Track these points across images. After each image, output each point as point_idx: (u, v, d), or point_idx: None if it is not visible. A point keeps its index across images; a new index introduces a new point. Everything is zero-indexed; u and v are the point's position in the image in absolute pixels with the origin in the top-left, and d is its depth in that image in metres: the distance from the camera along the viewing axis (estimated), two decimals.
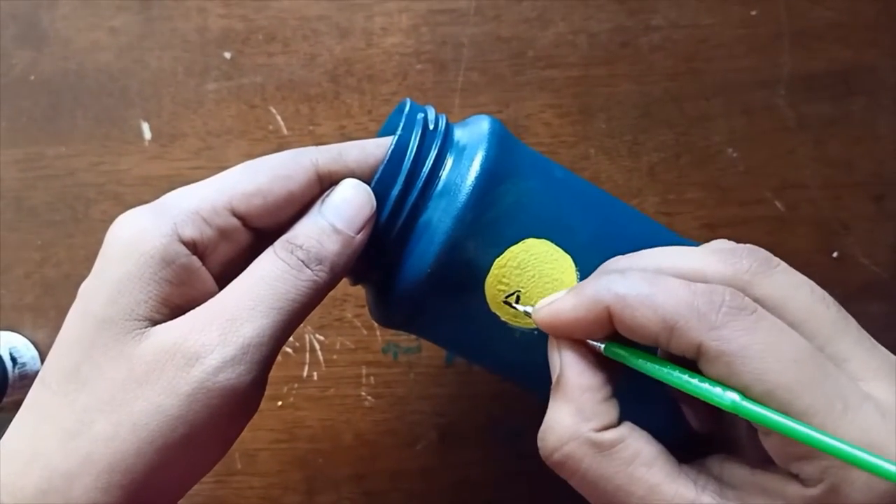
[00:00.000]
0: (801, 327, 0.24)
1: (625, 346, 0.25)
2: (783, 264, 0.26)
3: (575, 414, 0.25)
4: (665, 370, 0.24)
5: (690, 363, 0.24)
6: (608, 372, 0.26)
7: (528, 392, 0.31)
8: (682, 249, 0.27)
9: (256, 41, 0.46)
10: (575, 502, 0.42)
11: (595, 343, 0.26)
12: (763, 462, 0.24)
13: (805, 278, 0.25)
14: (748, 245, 0.26)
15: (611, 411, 0.25)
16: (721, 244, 0.27)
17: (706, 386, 0.23)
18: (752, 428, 0.26)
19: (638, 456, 0.24)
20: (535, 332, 0.30)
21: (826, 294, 0.25)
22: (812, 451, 0.22)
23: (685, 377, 0.24)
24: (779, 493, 0.23)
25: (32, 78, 0.47)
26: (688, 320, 0.23)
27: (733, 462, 0.25)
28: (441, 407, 0.44)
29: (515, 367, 0.32)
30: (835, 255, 0.43)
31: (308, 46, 0.46)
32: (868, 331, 0.25)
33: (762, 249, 0.26)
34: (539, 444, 0.26)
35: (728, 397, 0.23)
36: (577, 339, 0.26)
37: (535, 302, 0.29)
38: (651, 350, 0.25)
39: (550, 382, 0.31)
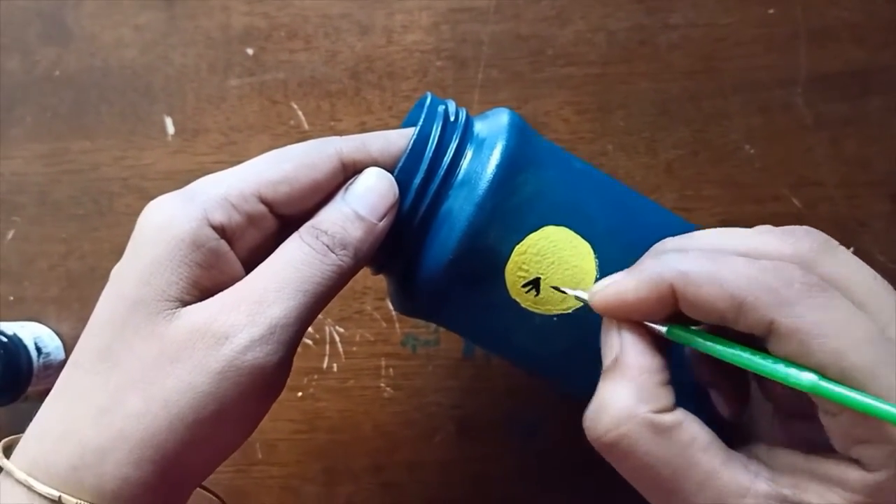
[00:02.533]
0: (863, 309, 0.23)
1: (686, 328, 0.25)
2: (842, 247, 0.25)
3: (634, 394, 0.24)
4: (734, 351, 0.24)
5: (751, 343, 0.24)
6: (666, 357, 0.26)
7: (547, 381, 0.32)
8: (736, 230, 0.26)
9: (279, 38, 0.46)
10: (590, 494, 0.43)
11: (656, 326, 0.26)
12: (785, 427, 0.25)
13: (866, 265, 0.25)
14: (800, 226, 0.26)
15: (668, 395, 0.25)
16: (767, 228, 0.26)
17: (781, 367, 0.23)
18: (779, 415, 0.27)
19: (695, 440, 0.24)
20: (555, 319, 0.30)
21: (886, 281, 0.25)
22: (878, 435, 0.22)
23: (757, 358, 0.23)
24: (837, 478, 0.23)
25: (57, 74, 0.48)
26: (758, 296, 0.23)
27: (780, 449, 0.25)
28: (459, 399, 0.45)
29: (535, 355, 0.32)
30: (851, 250, 0.43)
31: (329, 43, 0.46)
32: None
33: (819, 231, 0.25)
34: (588, 423, 0.25)
35: (806, 378, 0.22)
36: (636, 320, 0.26)
37: (554, 286, 0.30)
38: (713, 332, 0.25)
39: (569, 370, 0.32)
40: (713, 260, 0.24)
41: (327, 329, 0.45)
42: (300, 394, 0.45)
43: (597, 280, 0.29)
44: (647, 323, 0.26)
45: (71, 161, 0.47)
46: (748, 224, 0.43)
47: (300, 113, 0.46)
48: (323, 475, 0.45)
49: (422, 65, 0.46)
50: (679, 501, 0.24)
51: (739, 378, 0.28)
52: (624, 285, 0.26)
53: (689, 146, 0.44)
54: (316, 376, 0.45)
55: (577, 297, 0.28)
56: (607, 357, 0.26)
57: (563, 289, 0.29)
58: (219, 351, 0.26)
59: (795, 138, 0.44)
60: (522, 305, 0.30)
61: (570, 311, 0.30)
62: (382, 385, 0.45)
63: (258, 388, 0.27)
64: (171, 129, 0.47)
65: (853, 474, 0.23)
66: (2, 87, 0.48)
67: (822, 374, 0.22)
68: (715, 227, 0.43)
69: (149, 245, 0.27)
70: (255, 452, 0.45)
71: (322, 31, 0.46)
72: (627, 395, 0.25)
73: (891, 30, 0.44)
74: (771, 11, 0.44)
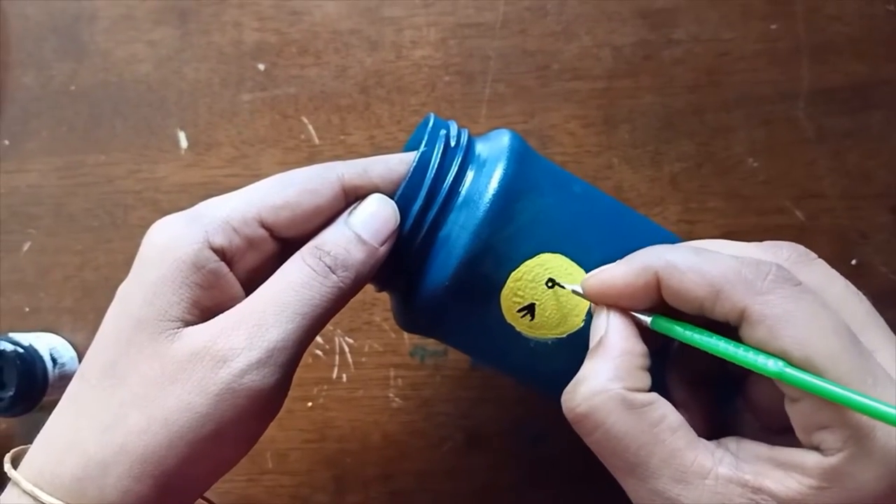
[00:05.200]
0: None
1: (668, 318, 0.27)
2: (820, 259, 0.27)
3: (611, 371, 0.26)
4: (711, 340, 0.25)
5: (729, 335, 0.25)
6: (647, 347, 0.27)
7: (544, 397, 0.32)
8: (722, 241, 0.28)
9: (290, 53, 0.47)
10: (596, 503, 0.43)
11: (641, 316, 0.27)
12: (770, 442, 0.25)
13: (840, 275, 0.27)
14: (786, 241, 0.28)
15: (645, 378, 0.26)
16: (757, 243, 0.28)
17: (751, 354, 0.24)
18: (757, 422, 0.28)
19: (665, 419, 0.25)
20: (550, 343, 0.31)
21: (859, 291, 0.26)
22: (835, 421, 0.23)
23: (730, 346, 0.25)
24: (796, 464, 0.24)
25: (73, 89, 0.49)
26: (734, 285, 0.24)
27: (748, 441, 0.26)
28: (467, 409, 0.45)
29: (530, 374, 0.33)
30: (853, 262, 0.44)
31: (339, 59, 0.47)
32: None
33: (801, 245, 0.27)
34: (565, 395, 0.27)
35: (773, 365, 0.24)
36: (623, 308, 0.27)
37: (549, 315, 0.30)
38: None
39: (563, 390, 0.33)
40: (697, 253, 0.26)
41: (337, 340, 0.46)
42: (310, 404, 0.46)
43: (590, 307, 0.30)
44: (633, 313, 0.27)
45: (86, 174, 0.48)
46: (751, 236, 0.44)
47: (311, 127, 0.47)
48: (333, 484, 0.46)
49: (430, 79, 0.46)
50: (642, 476, 0.25)
51: (713, 403, 0.29)
52: (613, 272, 0.27)
53: (694, 159, 0.45)
54: (326, 386, 0.46)
55: (574, 291, 0.29)
56: (594, 339, 0.28)
57: (560, 282, 0.30)
58: (217, 374, 0.27)
59: (798, 151, 0.45)
60: (517, 329, 0.31)
61: (564, 335, 0.31)
62: (391, 395, 0.46)
63: (255, 409, 0.27)
64: (184, 142, 0.48)
65: (811, 459, 0.24)
66: (18, 101, 0.49)
67: (788, 360, 0.24)
68: (719, 238, 0.44)
69: (152, 265, 0.28)
70: (265, 461, 0.46)
71: (332, 47, 0.47)
72: (605, 371, 0.26)
73: (891, 44, 0.45)
74: (773, 26, 0.45)
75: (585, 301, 0.30)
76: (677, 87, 0.45)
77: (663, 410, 0.26)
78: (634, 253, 0.27)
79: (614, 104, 0.45)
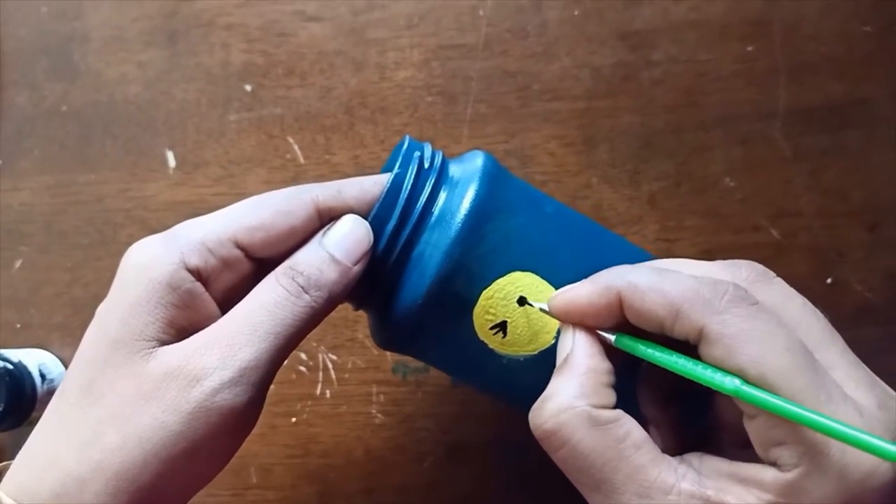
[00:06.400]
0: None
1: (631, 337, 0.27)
2: (778, 278, 0.28)
3: (577, 388, 0.26)
4: (672, 358, 0.26)
5: (691, 353, 0.26)
6: (613, 365, 0.28)
7: (518, 412, 0.33)
8: (685, 260, 0.29)
9: (276, 75, 0.48)
10: None
11: (606, 335, 0.28)
12: (737, 457, 0.26)
13: (798, 294, 0.27)
14: (745, 260, 0.28)
15: (610, 396, 0.27)
16: (721, 262, 0.29)
17: (709, 372, 0.25)
18: (722, 439, 0.28)
19: (629, 436, 0.26)
20: (522, 359, 0.32)
21: (816, 309, 0.27)
22: (791, 437, 0.24)
23: (689, 364, 0.25)
24: (755, 480, 0.25)
25: (64, 109, 0.50)
26: (692, 304, 0.25)
27: (711, 457, 0.27)
28: (448, 424, 0.46)
29: (503, 390, 0.34)
30: (829, 281, 0.44)
31: (324, 80, 0.48)
32: (860, 355, 0.27)
33: (760, 265, 0.28)
34: (532, 413, 0.27)
35: (730, 382, 0.24)
36: (588, 327, 0.28)
37: (521, 332, 0.31)
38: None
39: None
40: (660, 273, 0.27)
41: (320, 356, 0.47)
42: (294, 419, 0.47)
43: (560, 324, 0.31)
44: (598, 332, 0.28)
45: (77, 192, 0.49)
46: (728, 254, 0.44)
47: (296, 147, 0.48)
48: (316, 498, 0.46)
49: (413, 100, 0.47)
50: (607, 492, 0.26)
51: (683, 421, 0.30)
52: (577, 291, 0.28)
53: (672, 178, 0.46)
54: (310, 402, 0.47)
55: (541, 309, 0.30)
56: (560, 357, 0.28)
57: (529, 301, 0.31)
58: (190, 393, 0.27)
59: (775, 170, 0.45)
60: (490, 346, 0.32)
61: (536, 352, 0.32)
62: (374, 411, 0.46)
63: (229, 426, 0.28)
64: (172, 161, 0.49)
65: (768, 475, 0.24)
66: (11, 120, 0.50)
67: (744, 377, 0.24)
68: (696, 257, 0.45)
69: (129, 286, 0.29)
70: (249, 476, 0.47)
71: (318, 68, 0.48)
72: (571, 389, 0.27)
73: (868, 64, 0.45)
74: (750, 48, 0.45)
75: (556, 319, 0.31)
76: (656, 108, 0.46)
77: (628, 427, 0.26)
78: (599, 273, 0.28)
79: (594, 124, 0.46)
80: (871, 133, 0.45)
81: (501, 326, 0.31)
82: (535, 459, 0.45)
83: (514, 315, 0.31)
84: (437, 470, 0.46)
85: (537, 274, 0.31)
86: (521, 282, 0.31)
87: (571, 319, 0.28)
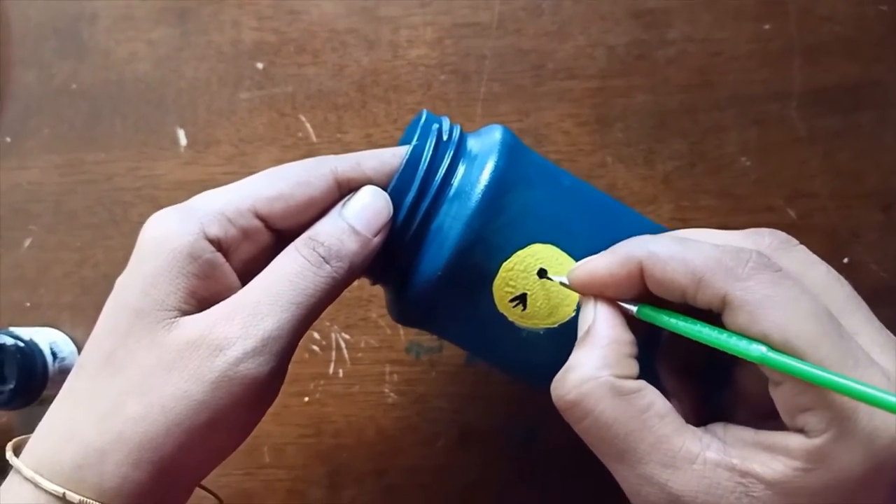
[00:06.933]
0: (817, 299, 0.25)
1: (654, 307, 0.27)
2: (801, 245, 0.28)
3: (599, 359, 0.26)
4: (695, 327, 0.26)
5: (714, 323, 0.26)
6: (635, 336, 0.28)
7: (534, 388, 0.33)
8: (705, 230, 0.29)
9: (287, 52, 0.48)
10: (589, 497, 0.44)
11: (627, 305, 0.28)
12: (759, 428, 0.26)
13: (821, 260, 0.27)
14: (767, 228, 0.28)
15: (633, 366, 0.27)
16: (741, 230, 0.29)
17: (734, 340, 0.25)
18: (744, 409, 0.28)
19: (653, 406, 0.26)
20: (542, 332, 0.31)
21: (840, 276, 0.27)
22: (819, 402, 0.24)
23: (714, 332, 0.25)
24: (781, 447, 0.24)
25: (73, 87, 0.49)
26: (715, 272, 0.25)
27: (735, 426, 0.26)
28: (461, 405, 0.46)
29: (522, 364, 0.33)
30: (845, 261, 0.44)
31: (337, 58, 0.48)
32: None
33: (782, 232, 0.28)
34: (555, 384, 0.27)
35: (755, 349, 0.24)
36: (609, 298, 0.28)
37: (541, 305, 0.31)
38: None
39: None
40: (679, 242, 0.27)
41: (333, 336, 0.46)
42: (307, 399, 0.46)
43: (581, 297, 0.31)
44: (619, 302, 0.28)
45: (86, 172, 0.49)
46: None
47: (308, 125, 0.48)
48: (328, 478, 0.46)
49: (426, 79, 0.47)
50: (631, 462, 0.26)
51: (703, 392, 0.30)
52: (597, 262, 0.28)
53: (686, 158, 0.45)
54: (322, 382, 0.46)
55: (561, 283, 0.30)
56: (581, 329, 0.28)
57: (549, 275, 0.31)
58: (213, 362, 0.27)
59: (790, 151, 0.45)
60: (510, 319, 0.31)
61: (556, 325, 0.31)
62: (386, 391, 0.46)
63: (251, 397, 0.28)
64: (183, 140, 0.48)
65: (795, 441, 0.24)
66: (19, 99, 0.50)
67: (769, 344, 0.24)
68: None
69: (149, 257, 0.29)
70: (262, 456, 0.46)
71: (330, 46, 0.48)
72: (594, 360, 0.26)
73: (883, 44, 0.45)
74: (766, 27, 0.45)
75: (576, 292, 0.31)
76: (670, 87, 0.46)
77: (651, 397, 0.26)
78: (619, 244, 0.28)
79: (608, 103, 0.46)
80: (885, 115, 0.45)
81: (521, 299, 0.31)
82: (547, 439, 0.45)
83: (534, 287, 0.31)
84: (450, 451, 0.45)
85: (557, 246, 0.31)
86: (541, 254, 0.31)
87: (592, 291, 0.28)
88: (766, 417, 0.27)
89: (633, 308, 0.28)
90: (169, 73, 0.49)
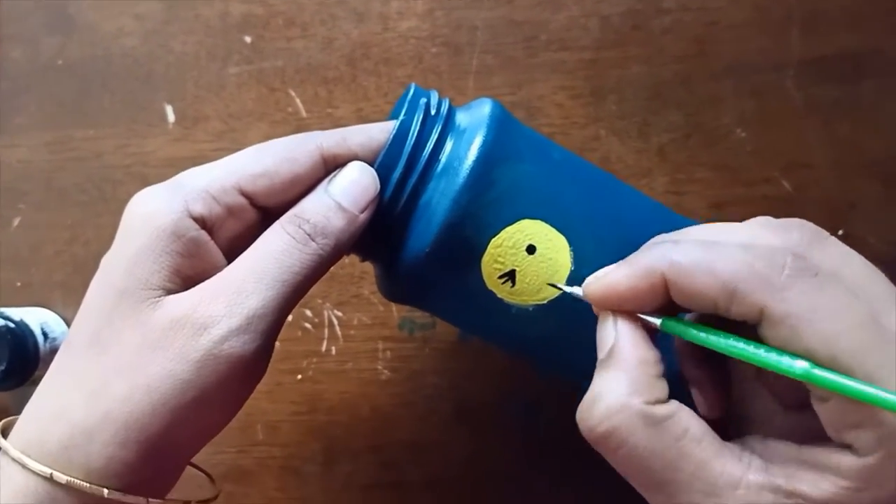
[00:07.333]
0: (855, 296, 0.23)
1: (680, 320, 0.25)
2: (832, 237, 0.26)
3: (628, 386, 0.25)
4: (730, 342, 0.24)
5: (743, 331, 0.24)
6: (660, 350, 0.26)
7: (526, 361, 0.32)
8: (729, 224, 0.27)
9: (276, 26, 0.47)
10: (585, 472, 0.43)
11: (650, 319, 0.26)
12: (787, 418, 0.25)
13: (855, 252, 0.25)
14: (795, 219, 0.26)
15: (663, 388, 0.25)
16: (765, 220, 0.27)
17: (774, 355, 0.23)
18: (777, 407, 0.26)
19: (688, 432, 0.24)
20: (531, 309, 0.31)
21: (875, 267, 0.25)
22: (869, 420, 0.22)
23: (751, 348, 0.23)
24: (829, 465, 0.23)
25: (60, 63, 0.49)
26: (749, 283, 0.23)
27: (774, 441, 0.25)
28: (455, 381, 0.45)
29: (512, 340, 0.33)
30: (841, 233, 0.44)
31: (326, 31, 0.47)
32: None
33: (810, 223, 0.26)
34: (581, 415, 0.25)
35: (799, 366, 0.22)
36: (629, 313, 0.26)
37: (530, 281, 0.30)
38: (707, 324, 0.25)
39: (546, 355, 0.32)
40: (706, 249, 0.24)
41: (326, 313, 0.46)
42: (300, 376, 0.46)
43: (571, 273, 0.30)
44: (641, 315, 0.26)
45: (75, 149, 0.48)
46: (739, 207, 0.44)
47: (298, 100, 0.47)
48: (322, 455, 0.46)
49: (417, 51, 0.46)
50: (671, 493, 0.24)
51: (721, 378, 0.28)
52: (616, 276, 0.26)
53: (682, 130, 0.45)
54: (315, 359, 0.46)
55: (574, 294, 0.28)
56: (602, 349, 0.26)
57: (557, 285, 0.30)
58: (198, 341, 0.27)
59: (787, 121, 0.44)
60: (499, 296, 0.31)
61: (545, 301, 0.31)
62: (380, 367, 0.46)
63: (237, 375, 0.28)
64: (171, 116, 0.48)
65: (845, 460, 0.23)
66: (6, 76, 0.49)
67: (813, 360, 0.22)
68: (706, 210, 0.44)
69: (133, 235, 0.28)
70: (256, 433, 0.46)
71: (318, 19, 0.47)
72: (622, 386, 0.25)
73: (883, 14, 0.44)
74: None
75: (566, 268, 0.30)
76: (666, 58, 0.45)
77: (686, 421, 0.24)
78: (636, 254, 0.26)
79: (602, 75, 0.45)
80: (885, 85, 0.44)
81: (510, 275, 0.31)
82: (542, 415, 0.45)
83: (523, 264, 0.31)
84: (445, 426, 0.45)
85: (546, 222, 0.31)
86: (530, 230, 0.30)
87: (610, 305, 0.26)
88: (792, 407, 0.26)
89: (657, 321, 0.26)
90: (156, 47, 0.48)
